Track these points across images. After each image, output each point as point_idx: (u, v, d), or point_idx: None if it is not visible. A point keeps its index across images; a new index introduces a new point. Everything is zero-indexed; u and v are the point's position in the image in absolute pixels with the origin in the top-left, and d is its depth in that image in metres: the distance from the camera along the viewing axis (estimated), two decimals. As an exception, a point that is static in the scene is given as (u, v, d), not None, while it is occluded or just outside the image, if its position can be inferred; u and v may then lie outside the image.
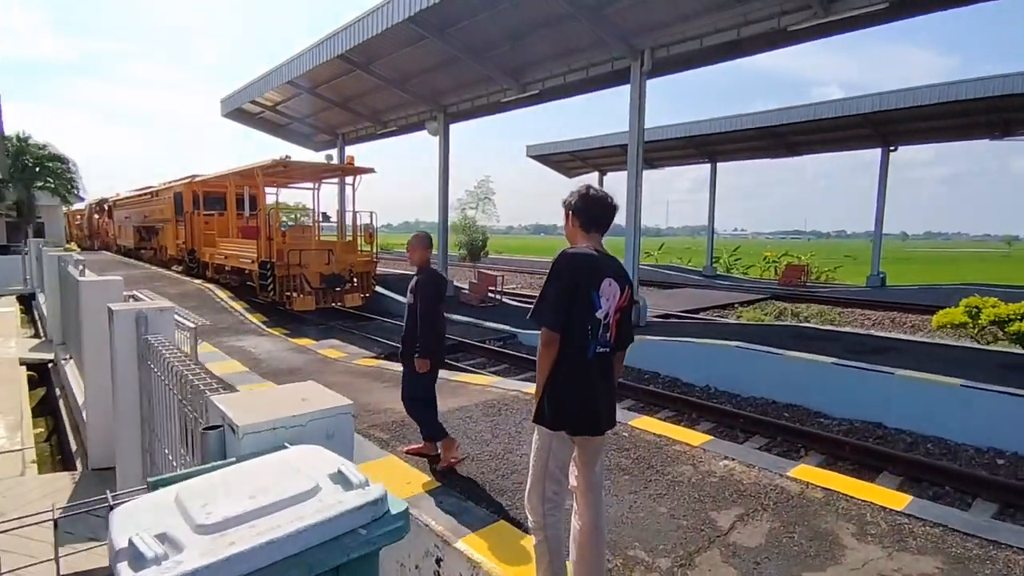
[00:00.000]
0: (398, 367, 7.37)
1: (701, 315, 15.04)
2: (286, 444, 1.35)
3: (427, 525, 3.03)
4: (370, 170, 15.73)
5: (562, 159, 27.14)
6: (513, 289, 23.83)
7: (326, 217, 16.42)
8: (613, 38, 10.41)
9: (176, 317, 3.94)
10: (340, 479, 1.11)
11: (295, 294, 13.14)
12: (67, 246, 38.23)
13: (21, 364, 9.32)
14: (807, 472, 3.74)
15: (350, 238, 15.43)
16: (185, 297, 14.14)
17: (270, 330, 10.44)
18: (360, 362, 7.96)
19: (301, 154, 22.06)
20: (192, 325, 4.03)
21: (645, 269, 28.01)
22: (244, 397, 1.68)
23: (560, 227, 2.54)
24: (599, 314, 2.30)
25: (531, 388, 5.76)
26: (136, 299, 4.84)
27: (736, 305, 17.05)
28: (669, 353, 9.09)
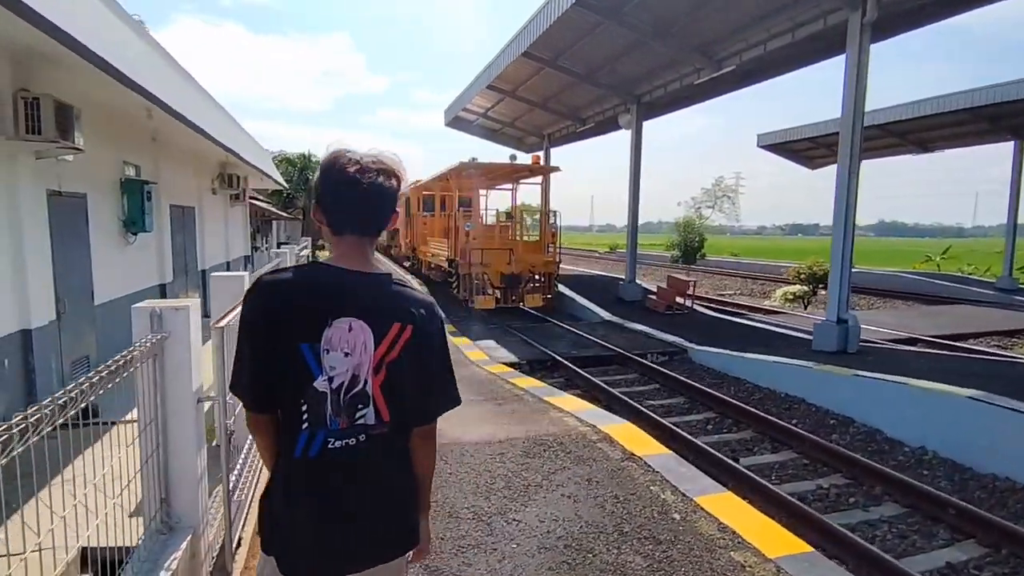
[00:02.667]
0: (516, 376, 6.87)
1: (967, 343, 11.26)
2: None
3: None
4: (555, 169, 15.48)
5: (801, 147, 23.21)
6: (726, 296, 21.32)
7: (508, 217, 16.63)
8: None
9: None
10: None
11: (477, 293, 13.53)
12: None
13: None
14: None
15: (536, 238, 15.37)
16: (389, 291, 15.73)
17: (440, 326, 10.80)
18: (491, 368, 7.64)
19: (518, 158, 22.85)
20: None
21: (909, 278, 22.54)
22: None
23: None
24: (320, 383, 1.36)
25: (616, 425, 4.71)
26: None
27: (1034, 333, 12.41)
28: (869, 395, 6.80)
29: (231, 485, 3.58)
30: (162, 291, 10.22)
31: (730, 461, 5.30)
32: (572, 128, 18.58)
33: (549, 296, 14.56)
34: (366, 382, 1.38)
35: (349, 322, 1.37)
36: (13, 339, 5.55)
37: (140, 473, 3.37)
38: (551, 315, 13.64)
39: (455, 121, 21.39)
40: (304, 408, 1.36)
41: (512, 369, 7.98)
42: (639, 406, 6.95)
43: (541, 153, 20.91)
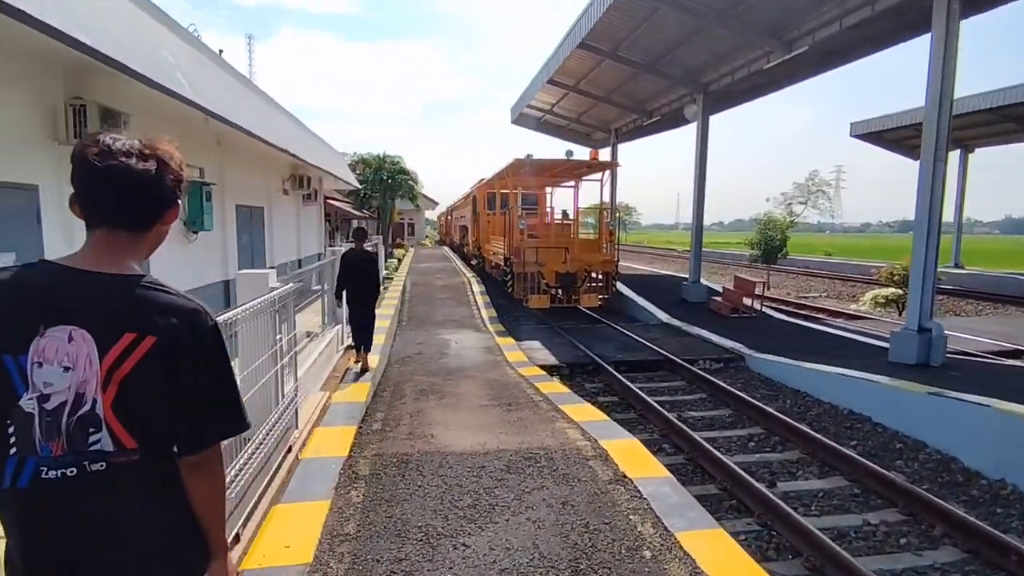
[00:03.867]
0: (543, 381, 6.59)
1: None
2: None
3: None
4: (613, 164, 14.92)
5: (902, 135, 21.02)
6: (808, 298, 19.74)
7: (565, 215, 16.20)
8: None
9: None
10: None
11: (531, 292, 13.29)
12: (421, 242, 47.81)
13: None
14: None
15: (594, 236, 14.89)
16: (445, 289, 15.81)
17: (488, 326, 10.71)
18: (524, 371, 7.40)
19: (583, 154, 22.43)
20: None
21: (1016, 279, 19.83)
22: None
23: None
24: (26, 401, 1.14)
25: (618, 441, 4.34)
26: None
27: None
28: (947, 417, 5.91)
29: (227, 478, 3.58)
30: (226, 287, 10.75)
31: (759, 486, 4.74)
32: (638, 122, 17.89)
33: (607, 296, 14.06)
34: (95, 401, 1.17)
35: (69, 331, 1.16)
36: (65, 331, 5.91)
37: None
38: (607, 316, 13.16)
39: (521, 118, 21.21)
40: (11, 431, 1.16)
41: (545, 373, 7.67)
42: (672, 417, 6.45)
43: (609, 149, 20.36)
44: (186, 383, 1.24)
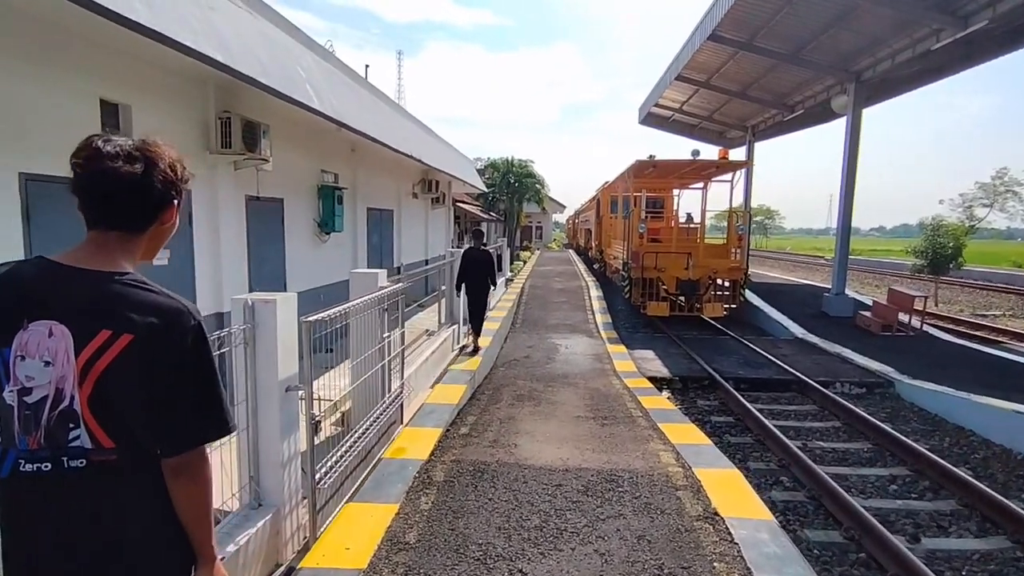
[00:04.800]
0: (649, 394, 6.24)
1: None
2: None
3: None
4: (744, 164, 13.77)
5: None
6: (987, 318, 16.80)
7: (689, 218, 15.22)
8: None
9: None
10: None
11: (649, 298, 12.72)
12: (548, 245, 48.10)
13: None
14: None
15: (723, 241, 13.86)
16: (563, 292, 15.67)
17: (601, 332, 10.44)
18: (630, 381, 7.06)
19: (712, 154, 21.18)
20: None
21: None
22: None
23: None
24: (7, 394, 1.17)
25: (716, 471, 3.90)
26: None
27: None
28: None
29: (321, 472, 3.75)
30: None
31: (896, 540, 3.99)
32: (778, 117, 16.44)
33: (733, 306, 13.05)
34: (72, 398, 1.17)
35: (50, 326, 1.17)
36: (209, 320, 6.61)
37: (235, 450, 3.73)
38: (732, 328, 12.18)
39: (649, 118, 20.49)
40: None
41: (653, 385, 7.23)
42: (794, 446, 5.72)
43: (745, 147, 18.97)
44: (165, 383, 1.21)
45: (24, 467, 1.17)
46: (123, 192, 1.22)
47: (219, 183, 6.76)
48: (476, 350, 7.93)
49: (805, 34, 11.33)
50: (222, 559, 2.92)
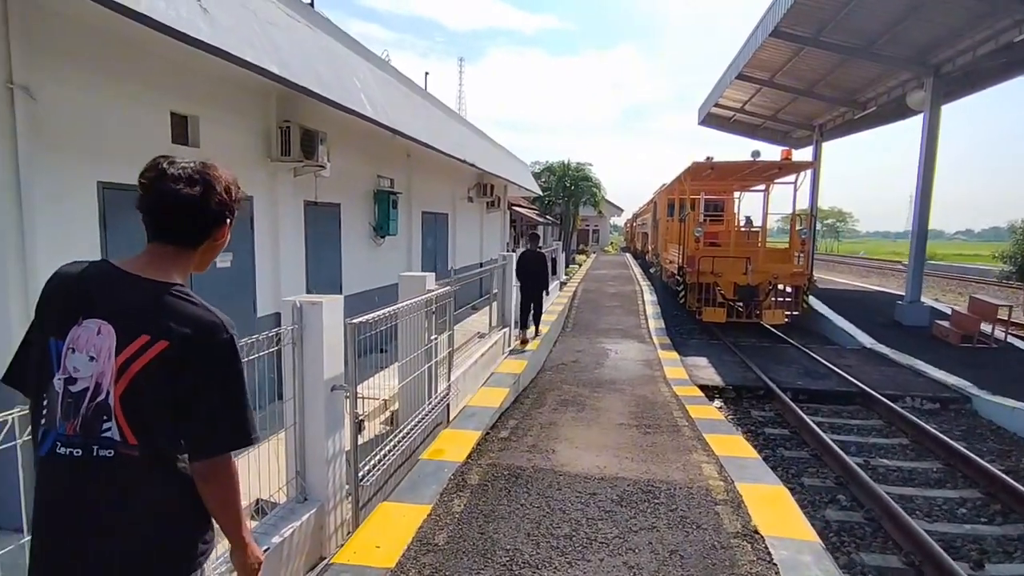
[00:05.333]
0: (699, 403, 6.09)
1: None
2: None
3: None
4: (809, 165, 13.16)
5: None
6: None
7: (749, 221, 14.63)
8: None
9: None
10: None
11: (704, 304, 12.36)
12: (605, 249, 47.54)
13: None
14: None
15: (785, 245, 13.30)
16: (616, 296, 15.48)
17: (653, 338, 10.26)
18: (680, 389, 6.91)
19: (774, 153, 20.38)
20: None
21: None
22: None
23: None
24: (57, 381, 1.29)
25: (760, 486, 3.75)
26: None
27: None
28: None
29: (364, 470, 3.88)
30: (407, 287, 11.71)
31: (956, 566, 3.70)
32: (848, 115, 15.62)
33: (796, 313, 12.47)
34: (108, 393, 1.28)
35: (99, 324, 1.29)
36: (268, 320, 6.93)
37: (284, 445, 3.91)
38: (793, 336, 11.66)
39: (709, 119, 19.92)
40: (44, 404, 1.31)
41: (704, 394, 7.02)
42: (853, 463, 5.40)
43: (812, 147, 18.15)
44: (192, 391, 1.30)
45: (59, 449, 1.29)
46: (181, 212, 1.35)
47: (279, 189, 7.08)
48: (525, 342, 8.74)
49: (876, 26, 10.72)
50: (266, 550, 3.06)
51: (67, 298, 1.32)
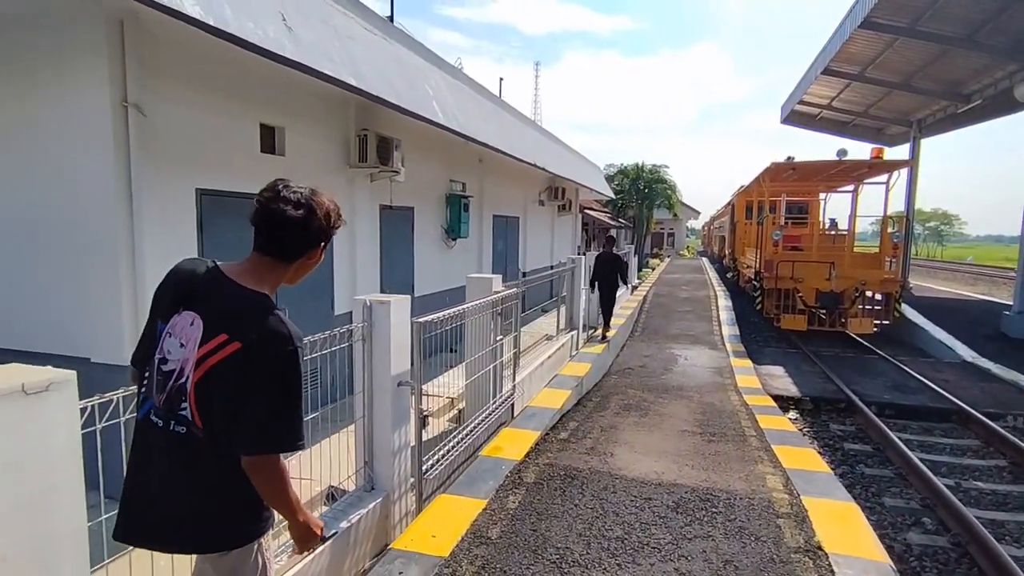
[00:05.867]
0: (771, 414, 5.90)
1: None
2: None
3: None
4: (902, 164, 12.24)
5: None
6: None
7: (834, 224, 13.75)
8: None
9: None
10: None
11: (783, 311, 11.81)
12: (680, 252, 46.19)
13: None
14: None
15: (876, 249, 12.45)
16: (688, 301, 15.05)
17: (726, 344, 9.96)
18: (751, 399, 6.68)
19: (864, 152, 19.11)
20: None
21: None
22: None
23: None
24: (157, 359, 1.53)
25: (827, 501, 3.60)
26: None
27: None
28: None
29: (428, 464, 4.07)
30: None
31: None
32: (950, 109, 14.41)
33: (886, 322, 11.66)
34: (188, 378, 1.48)
35: (193, 317, 1.50)
36: (344, 318, 7.33)
37: (354, 436, 4.16)
38: (882, 346, 10.90)
39: (792, 117, 18.97)
40: (147, 376, 1.55)
41: (776, 404, 6.72)
42: (941, 484, 5.01)
43: (909, 145, 16.88)
44: (243, 392, 1.46)
45: (152, 417, 1.52)
46: (284, 230, 1.54)
47: (356, 194, 7.46)
48: (604, 338, 9.09)
49: (979, 14, 9.85)
50: (334, 534, 3.26)
51: (176, 289, 1.55)
